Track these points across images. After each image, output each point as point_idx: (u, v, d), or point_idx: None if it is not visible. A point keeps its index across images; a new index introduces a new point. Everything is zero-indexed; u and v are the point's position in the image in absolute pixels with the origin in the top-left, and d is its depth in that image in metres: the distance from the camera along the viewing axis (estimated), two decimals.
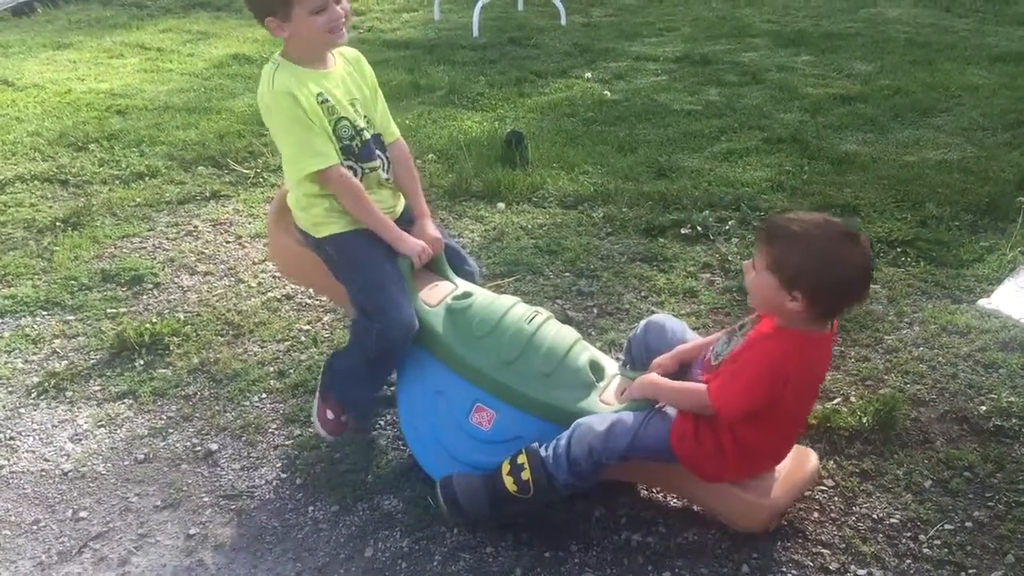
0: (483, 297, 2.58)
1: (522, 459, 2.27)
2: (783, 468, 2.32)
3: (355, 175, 2.54)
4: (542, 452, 2.27)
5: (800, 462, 2.37)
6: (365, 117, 2.59)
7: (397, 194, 2.72)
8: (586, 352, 2.51)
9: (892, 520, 2.40)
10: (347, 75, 2.59)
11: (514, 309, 2.52)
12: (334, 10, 2.42)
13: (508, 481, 2.27)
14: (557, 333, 2.50)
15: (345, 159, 2.51)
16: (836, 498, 2.48)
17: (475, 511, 2.31)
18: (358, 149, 2.54)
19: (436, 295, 2.61)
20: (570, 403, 2.37)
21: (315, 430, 2.72)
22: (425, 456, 2.50)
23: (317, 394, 2.76)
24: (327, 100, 2.48)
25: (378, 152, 2.61)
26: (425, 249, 2.58)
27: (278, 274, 3.72)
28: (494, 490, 2.29)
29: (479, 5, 8.13)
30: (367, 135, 2.57)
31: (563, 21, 8.36)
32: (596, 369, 2.48)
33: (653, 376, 2.32)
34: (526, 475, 2.26)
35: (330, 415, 2.68)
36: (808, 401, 2.30)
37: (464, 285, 2.68)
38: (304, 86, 2.44)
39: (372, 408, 2.79)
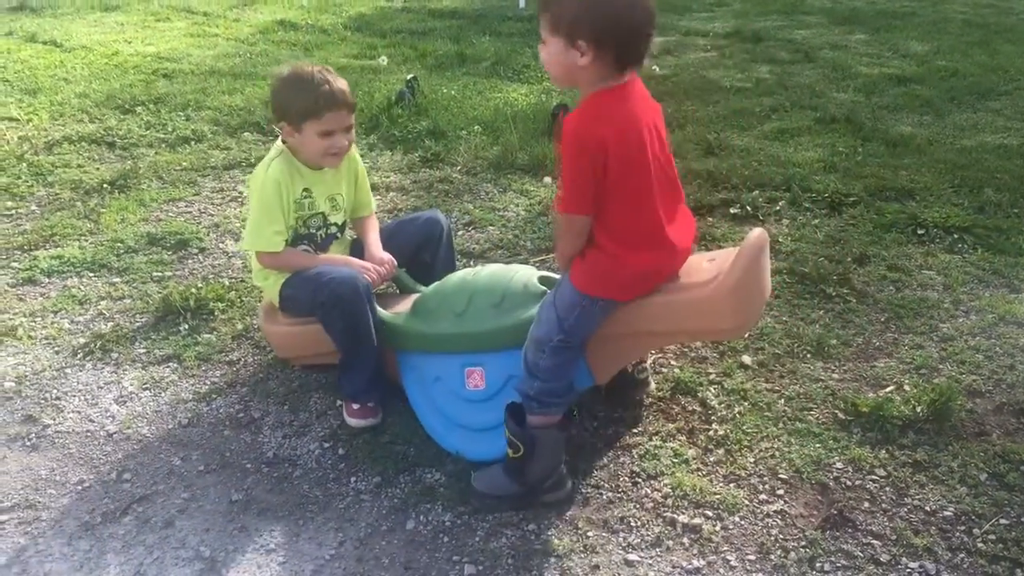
0: (436, 284, 2.70)
1: (505, 431, 2.32)
2: (729, 258, 2.27)
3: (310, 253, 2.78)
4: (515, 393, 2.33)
5: (748, 243, 2.27)
6: (343, 211, 2.85)
7: (346, 243, 2.95)
8: (531, 272, 2.59)
9: (946, 513, 2.33)
10: (339, 172, 2.81)
11: (457, 274, 2.69)
12: (340, 140, 2.66)
13: (509, 451, 2.32)
14: (498, 271, 2.61)
15: (304, 243, 2.76)
16: (888, 488, 2.42)
17: (510, 492, 2.33)
18: (320, 239, 2.80)
19: (401, 304, 2.79)
20: (527, 316, 2.41)
21: (351, 425, 2.69)
22: (456, 444, 2.54)
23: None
24: (309, 196, 2.72)
25: (338, 235, 2.87)
26: (376, 268, 2.74)
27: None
28: (508, 465, 2.34)
29: None
30: (335, 228, 2.83)
31: None
32: (547, 282, 2.54)
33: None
34: (508, 434, 2.31)
35: (355, 406, 2.68)
36: (643, 155, 2.13)
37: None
38: (292, 184, 2.68)
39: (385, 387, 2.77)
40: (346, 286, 2.55)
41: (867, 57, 6.32)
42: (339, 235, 2.88)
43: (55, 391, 2.85)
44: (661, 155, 2.19)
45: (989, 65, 6.01)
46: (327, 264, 2.69)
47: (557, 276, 2.54)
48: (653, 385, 2.78)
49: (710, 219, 3.91)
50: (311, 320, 2.68)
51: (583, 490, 2.41)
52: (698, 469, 2.50)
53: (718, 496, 2.39)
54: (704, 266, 2.36)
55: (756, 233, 2.30)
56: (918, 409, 2.65)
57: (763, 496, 2.39)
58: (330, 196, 2.79)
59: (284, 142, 2.71)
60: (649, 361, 2.81)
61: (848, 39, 6.80)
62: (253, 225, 2.68)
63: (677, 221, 2.29)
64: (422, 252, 2.92)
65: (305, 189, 2.70)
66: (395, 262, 2.83)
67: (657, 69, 6.04)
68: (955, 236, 3.70)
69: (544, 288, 2.51)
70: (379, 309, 2.69)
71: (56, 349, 3.06)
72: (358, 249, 2.88)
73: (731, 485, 2.44)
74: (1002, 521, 2.30)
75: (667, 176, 2.23)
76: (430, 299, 2.64)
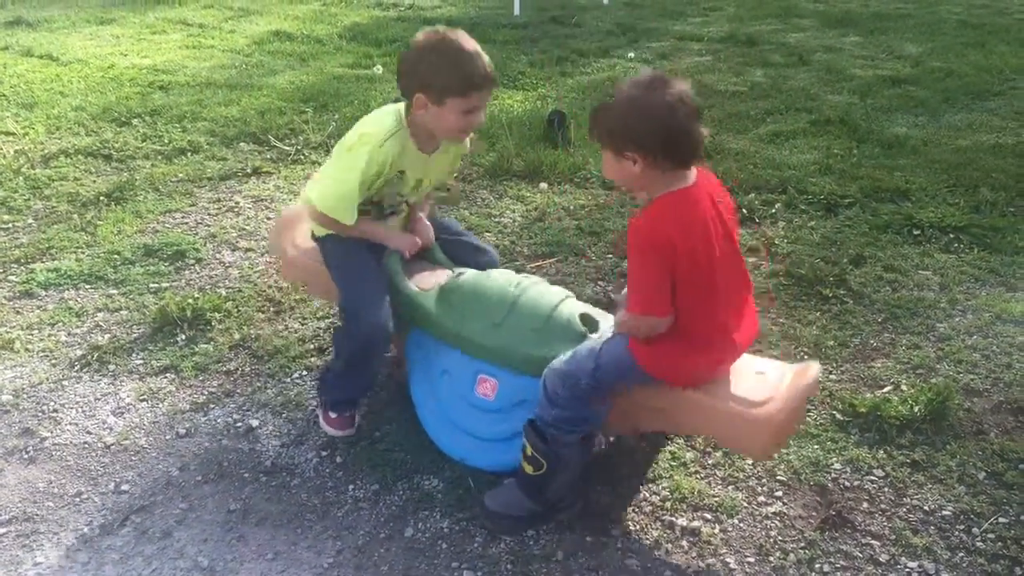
0: (472, 274, 2.62)
1: (524, 441, 2.28)
2: (782, 383, 2.21)
3: (371, 217, 2.65)
4: (536, 410, 2.28)
5: (800, 375, 2.24)
6: (423, 189, 2.69)
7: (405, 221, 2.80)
8: (577, 307, 2.51)
9: (944, 512, 2.33)
10: (440, 158, 2.64)
11: (500, 276, 2.57)
12: (479, 117, 2.47)
13: (527, 468, 2.27)
14: (543, 291, 2.52)
15: (370, 209, 2.62)
16: (886, 489, 2.42)
17: (526, 511, 2.30)
18: (387, 212, 2.67)
19: (431, 281, 2.68)
20: (563, 353, 2.34)
21: (327, 432, 2.68)
22: (442, 437, 2.54)
23: (318, 399, 2.75)
24: (401, 178, 2.56)
25: (404, 206, 2.72)
26: (415, 241, 2.67)
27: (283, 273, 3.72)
28: (524, 483, 2.29)
29: None
30: (404, 207, 2.70)
31: (605, 0, 8.26)
32: (588, 322, 2.47)
33: (618, 315, 2.30)
34: (529, 450, 2.26)
35: (333, 415, 2.66)
36: (710, 254, 2.12)
37: (465, 271, 2.68)
38: (399, 162, 2.51)
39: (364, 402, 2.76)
40: (368, 330, 2.47)
41: (861, 59, 6.34)
42: (403, 211, 2.74)
43: (52, 403, 2.84)
44: (729, 249, 2.18)
45: (984, 65, 6.02)
46: (374, 234, 2.61)
47: (597, 315, 2.50)
48: None
49: None
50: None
51: (582, 496, 2.41)
52: (696, 472, 2.50)
53: (716, 499, 2.39)
54: (752, 377, 2.26)
55: (814, 370, 2.27)
56: (916, 409, 2.65)
57: (761, 498, 2.39)
58: (418, 180, 2.62)
59: (407, 121, 2.50)
60: None
61: (842, 41, 6.82)
62: (337, 188, 2.49)
63: (743, 318, 2.27)
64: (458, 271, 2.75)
65: (401, 171, 2.54)
66: (432, 232, 2.74)
67: None
68: (951, 236, 3.70)
69: (585, 330, 2.42)
70: (406, 283, 2.63)
71: (53, 361, 3.06)
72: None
73: (729, 487, 2.44)
74: (1001, 520, 2.30)
75: (736, 269, 2.23)
76: (467, 295, 2.53)
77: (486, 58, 2.41)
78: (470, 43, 2.41)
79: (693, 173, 2.12)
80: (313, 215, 2.61)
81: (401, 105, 2.53)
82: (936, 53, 6.39)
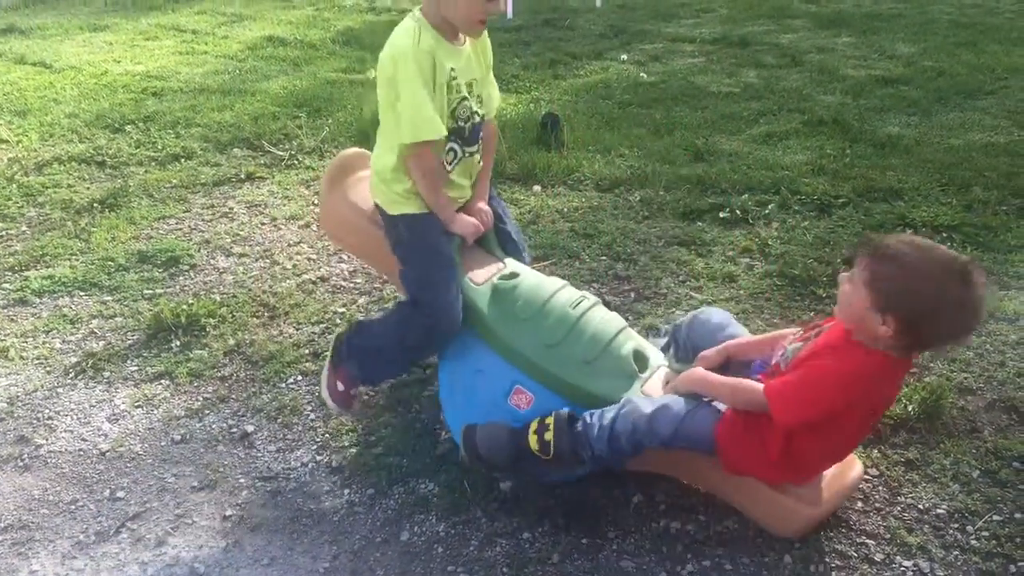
0: (530, 278, 2.53)
1: (549, 420, 2.24)
2: (826, 474, 2.24)
3: (456, 157, 2.51)
4: (587, 418, 2.23)
5: (844, 470, 2.27)
6: (478, 97, 2.54)
7: (474, 183, 2.67)
8: (631, 341, 2.46)
9: (939, 511, 2.34)
10: (473, 54, 2.51)
11: (561, 292, 2.48)
12: (498, 4, 2.42)
13: (532, 439, 2.25)
14: (602, 320, 2.45)
15: (453, 139, 2.48)
16: (881, 488, 2.42)
17: (494, 459, 2.28)
18: (468, 132, 2.51)
19: (483, 273, 2.57)
20: (611, 393, 2.32)
21: (323, 399, 2.67)
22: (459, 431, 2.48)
23: (327, 364, 2.69)
24: (456, 78, 2.42)
25: (479, 138, 2.58)
26: (477, 227, 2.57)
27: (313, 256, 3.72)
28: (516, 442, 2.28)
29: None
30: (478, 118, 2.53)
31: (598, 3, 8.28)
32: (640, 359, 2.43)
33: (701, 370, 2.27)
34: (548, 436, 2.22)
35: (340, 387, 2.62)
36: (871, 422, 2.19)
37: (512, 264, 2.63)
38: (441, 57, 2.37)
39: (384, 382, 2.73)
40: (445, 326, 2.42)
41: (854, 59, 6.35)
42: (476, 146, 2.58)
43: (47, 411, 2.84)
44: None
45: (976, 65, 6.04)
46: (442, 210, 2.48)
47: (648, 350, 2.48)
48: None
49: (700, 223, 3.92)
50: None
51: (577, 498, 2.41)
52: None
53: (711, 501, 2.39)
54: None
55: (858, 469, 2.29)
56: (910, 408, 2.65)
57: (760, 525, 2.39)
58: (470, 81, 2.47)
59: (423, 15, 2.40)
60: None
61: (834, 42, 6.83)
62: (412, 109, 2.33)
63: None
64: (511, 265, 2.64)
65: (452, 69, 2.38)
66: (492, 217, 2.64)
67: (644, 76, 6.06)
68: (944, 235, 3.71)
69: (636, 369, 2.40)
70: (463, 275, 2.52)
71: (48, 369, 3.06)
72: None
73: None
74: (995, 518, 2.30)
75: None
76: (522, 305, 2.44)
77: None
78: None
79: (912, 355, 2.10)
80: (394, 170, 2.47)
81: (412, 13, 2.44)
82: (928, 53, 6.41)
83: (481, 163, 2.64)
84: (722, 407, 2.20)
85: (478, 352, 2.47)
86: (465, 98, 2.45)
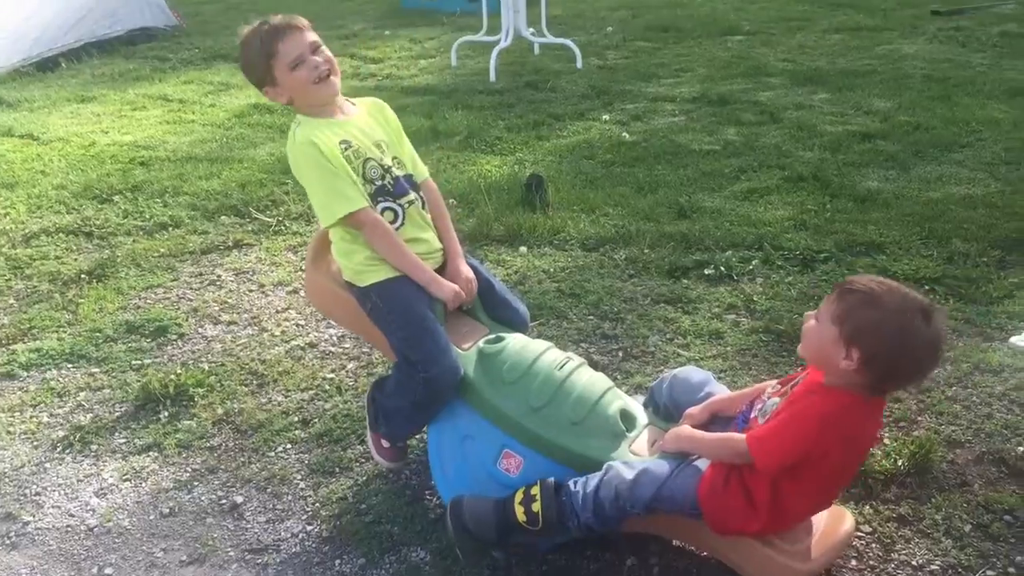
0: (515, 341, 2.54)
1: (535, 490, 2.25)
2: (818, 530, 2.23)
3: (396, 215, 2.54)
4: (571, 487, 2.24)
5: (835, 525, 2.26)
6: (394, 158, 2.61)
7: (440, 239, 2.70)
8: (617, 401, 2.47)
9: (932, 567, 2.34)
10: (370, 120, 2.62)
11: (546, 354, 2.49)
12: (311, 61, 2.48)
13: (519, 510, 2.25)
14: (588, 380, 2.46)
15: (382, 200, 2.52)
16: (874, 545, 2.42)
17: (482, 535, 2.27)
18: (391, 187, 2.55)
19: (467, 338, 2.59)
20: (599, 453, 2.33)
21: (376, 461, 2.72)
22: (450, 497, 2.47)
23: (368, 429, 2.76)
24: (351, 145, 2.50)
25: (411, 189, 2.61)
26: (459, 293, 2.57)
27: (302, 322, 3.73)
28: (503, 516, 2.27)
29: (496, 50, 8.21)
30: (396, 172, 2.58)
31: (579, 64, 8.41)
32: (627, 418, 2.44)
33: (687, 428, 2.27)
34: (536, 507, 2.23)
35: (385, 444, 2.68)
36: (853, 464, 2.20)
37: (498, 329, 2.64)
38: (325, 135, 2.47)
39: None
40: (447, 377, 2.43)
41: (831, 115, 6.46)
42: (412, 195, 2.60)
43: (34, 487, 2.82)
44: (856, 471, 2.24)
45: (950, 118, 6.14)
46: (418, 272, 2.51)
47: (634, 409, 2.50)
48: None
49: (685, 281, 3.95)
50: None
51: (570, 563, 2.40)
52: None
53: (704, 563, 2.38)
54: None
55: (848, 523, 2.28)
56: (899, 463, 2.66)
57: None
58: (374, 141, 2.56)
59: (300, 115, 2.55)
60: None
61: (812, 99, 6.95)
62: (321, 194, 2.46)
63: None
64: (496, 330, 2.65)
65: (342, 140, 2.48)
66: (476, 285, 2.65)
67: (626, 135, 6.14)
68: (926, 287, 3.75)
69: (624, 428, 2.41)
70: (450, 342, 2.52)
71: (35, 443, 3.04)
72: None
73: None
74: (988, 573, 2.31)
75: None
76: (508, 368, 2.45)
77: (278, 18, 2.50)
78: (262, 19, 2.52)
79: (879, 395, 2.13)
80: (345, 243, 2.55)
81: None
82: (903, 108, 6.52)
83: (429, 213, 2.66)
84: (703, 467, 2.19)
85: (466, 417, 2.47)
86: (370, 159, 2.52)
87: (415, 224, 2.59)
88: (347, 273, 2.61)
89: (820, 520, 2.25)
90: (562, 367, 2.45)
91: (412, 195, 2.60)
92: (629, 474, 2.19)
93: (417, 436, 2.78)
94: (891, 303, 1.97)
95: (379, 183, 2.52)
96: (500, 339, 2.54)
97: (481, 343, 2.55)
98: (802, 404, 2.08)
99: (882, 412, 2.17)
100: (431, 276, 2.54)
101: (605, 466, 2.25)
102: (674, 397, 2.45)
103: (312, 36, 2.52)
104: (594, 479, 2.23)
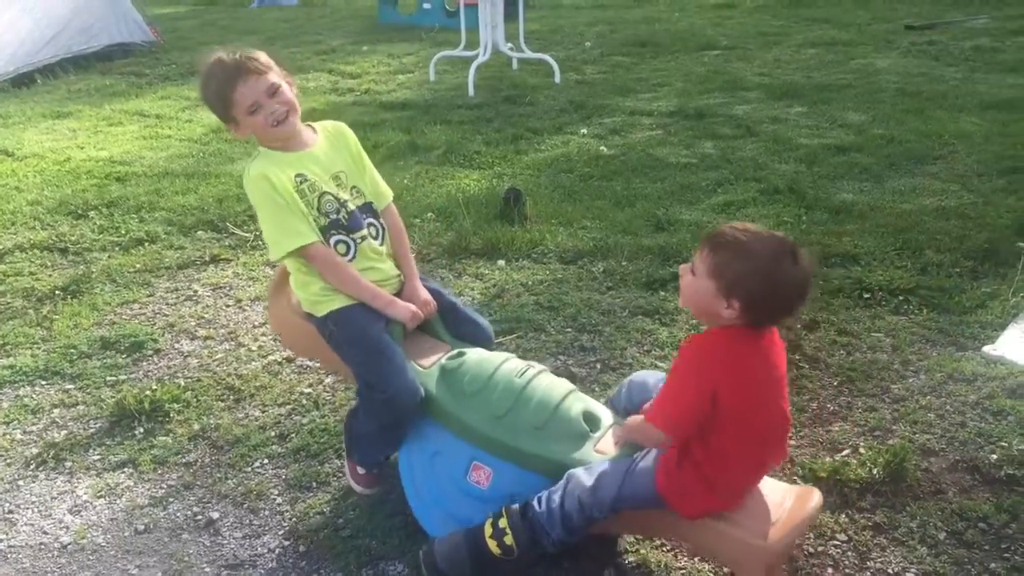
0: (475, 355, 2.56)
1: (503, 523, 2.26)
2: (785, 508, 2.23)
3: (349, 248, 2.57)
4: (536, 506, 2.24)
5: (802, 502, 2.26)
6: (353, 188, 2.64)
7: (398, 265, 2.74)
8: (580, 403, 2.48)
9: (908, 574, 2.35)
10: (329, 149, 2.63)
11: (506, 364, 2.51)
12: (270, 106, 2.48)
13: (491, 544, 2.26)
14: (549, 385, 2.48)
15: (335, 233, 2.55)
16: (850, 553, 2.43)
17: (458, 573, 2.29)
18: (345, 220, 2.58)
19: (430, 357, 2.62)
20: (564, 455, 2.34)
21: (352, 487, 2.70)
22: (426, 517, 2.48)
23: (345, 456, 2.76)
24: (306, 178, 2.53)
25: (369, 219, 2.65)
26: (416, 313, 2.61)
27: (278, 336, 3.71)
28: (475, 551, 2.28)
29: (474, 65, 8.25)
30: (352, 206, 2.60)
31: (557, 79, 8.46)
32: (590, 419, 2.45)
33: (633, 418, 2.32)
34: (509, 540, 2.24)
35: (360, 470, 2.67)
36: (757, 404, 2.15)
37: (460, 346, 2.66)
38: (281, 170, 2.50)
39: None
40: (406, 399, 2.43)
41: (807, 129, 6.52)
42: (375, 223, 2.66)
43: (7, 504, 2.79)
44: (780, 410, 2.21)
45: (923, 131, 6.22)
46: (374, 298, 2.54)
47: (598, 410, 2.50)
48: None
49: (663, 293, 3.97)
50: None
51: (550, 573, 2.40)
52: (662, 544, 2.50)
53: (683, 571, 2.39)
54: (753, 496, 2.27)
55: (816, 499, 2.27)
56: (874, 471, 2.68)
57: (727, 568, 2.39)
58: (332, 174, 2.58)
59: (260, 146, 2.57)
60: None
61: (787, 112, 7.02)
62: (270, 228, 2.51)
63: (769, 467, 2.30)
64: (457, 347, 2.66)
65: (298, 174, 2.50)
66: (435, 306, 2.69)
67: (604, 149, 6.17)
68: (900, 298, 3.79)
69: (587, 429, 2.41)
70: (413, 361, 2.56)
71: (8, 461, 3.00)
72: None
73: (695, 559, 2.44)
74: None
75: (781, 425, 2.24)
76: (470, 380, 2.47)
77: (240, 53, 2.48)
78: (219, 55, 2.49)
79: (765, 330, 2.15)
80: (300, 275, 2.59)
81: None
82: (878, 121, 6.59)
83: (384, 245, 2.69)
84: (657, 457, 2.22)
85: (433, 435, 2.50)
86: (326, 192, 2.55)
87: (367, 257, 2.62)
88: (305, 304, 2.64)
89: (788, 498, 2.25)
90: (522, 375, 2.47)
91: (366, 228, 2.62)
92: (589, 480, 2.21)
93: (394, 456, 2.76)
94: (763, 251, 2.05)
95: (334, 217, 2.55)
96: (461, 354, 2.57)
97: (443, 360, 2.57)
98: (678, 360, 2.14)
99: (772, 341, 2.17)
100: (387, 299, 2.58)
101: (565, 476, 2.26)
102: (632, 399, 2.47)
103: (270, 79, 2.48)
104: (557, 492, 2.24)
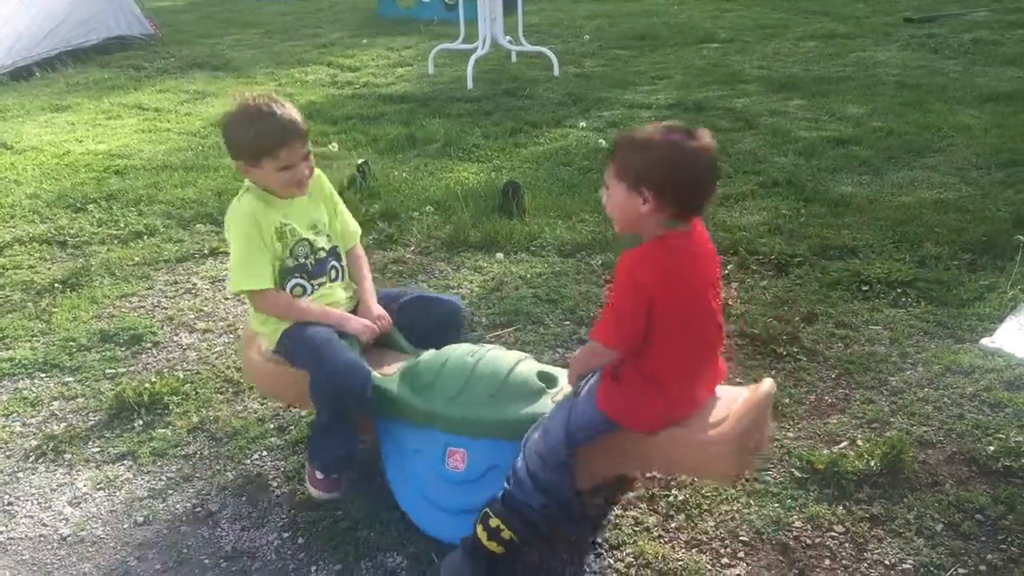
0: (431, 352, 2.64)
1: (493, 521, 2.26)
2: (737, 402, 2.26)
3: (305, 291, 2.71)
4: (508, 486, 2.27)
5: (754, 391, 2.29)
6: (327, 236, 2.77)
7: (351, 290, 2.85)
8: (533, 365, 2.55)
9: (905, 566, 2.36)
10: (310, 198, 2.75)
11: (457, 349, 2.60)
12: (300, 170, 2.60)
13: (492, 546, 2.26)
14: (499, 356, 2.55)
15: (296, 276, 2.68)
16: (847, 544, 2.44)
17: None
18: (311, 267, 2.71)
19: (393, 366, 2.70)
20: (525, 414, 2.38)
21: (311, 494, 2.69)
22: (420, 518, 2.52)
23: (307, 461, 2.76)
24: (289, 225, 2.64)
25: (332, 263, 2.79)
26: (368, 326, 2.70)
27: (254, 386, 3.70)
28: (476, 556, 2.28)
29: (473, 58, 8.24)
30: (323, 253, 2.74)
31: (556, 72, 8.45)
32: (546, 378, 2.51)
33: (579, 350, 2.37)
34: (506, 533, 2.25)
35: (319, 476, 2.66)
36: (691, 307, 2.17)
37: (422, 352, 2.71)
38: (269, 214, 2.61)
39: (355, 464, 2.72)
40: (346, 377, 2.49)
41: (805, 121, 6.51)
42: (336, 266, 2.80)
43: (7, 496, 2.79)
44: (713, 308, 2.22)
45: (923, 124, 6.21)
46: (327, 317, 2.64)
47: (554, 371, 2.54)
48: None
49: None
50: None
51: (547, 565, 2.40)
52: (660, 536, 2.51)
53: (681, 563, 2.40)
54: (708, 404, 2.32)
55: (766, 384, 2.31)
56: (872, 463, 2.69)
57: (725, 560, 2.41)
58: (311, 223, 2.71)
59: (252, 182, 2.65)
60: None
61: (786, 105, 7.01)
62: (236, 263, 2.61)
63: (711, 375, 2.32)
64: (434, 336, 2.75)
65: (282, 223, 2.62)
66: (390, 320, 2.77)
67: (603, 142, 6.17)
68: (898, 291, 3.79)
69: (543, 385, 2.46)
70: (377, 373, 2.63)
71: (7, 453, 3.01)
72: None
73: (693, 550, 2.45)
74: (960, 571, 2.33)
75: (715, 327, 2.26)
76: (425, 371, 2.56)
77: (290, 112, 2.56)
78: (271, 105, 2.55)
79: (691, 224, 2.17)
80: (252, 312, 2.71)
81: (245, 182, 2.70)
82: (877, 113, 6.59)
83: (342, 282, 2.82)
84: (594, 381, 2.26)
85: (408, 435, 2.57)
86: (303, 239, 2.67)
87: (322, 296, 2.74)
88: (267, 342, 2.74)
89: (741, 395, 2.29)
90: (473, 354, 2.54)
91: (325, 276, 2.76)
92: (538, 432, 2.27)
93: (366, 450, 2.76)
94: (656, 136, 2.09)
95: (302, 261, 2.68)
96: (420, 356, 2.65)
97: (404, 365, 2.66)
98: (616, 268, 2.15)
99: (702, 246, 2.20)
100: (339, 316, 2.69)
101: (522, 441, 2.30)
102: None
103: (306, 147, 2.62)
104: (519, 460, 2.27)
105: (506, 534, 2.24)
